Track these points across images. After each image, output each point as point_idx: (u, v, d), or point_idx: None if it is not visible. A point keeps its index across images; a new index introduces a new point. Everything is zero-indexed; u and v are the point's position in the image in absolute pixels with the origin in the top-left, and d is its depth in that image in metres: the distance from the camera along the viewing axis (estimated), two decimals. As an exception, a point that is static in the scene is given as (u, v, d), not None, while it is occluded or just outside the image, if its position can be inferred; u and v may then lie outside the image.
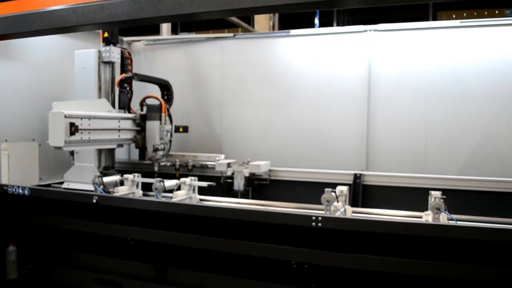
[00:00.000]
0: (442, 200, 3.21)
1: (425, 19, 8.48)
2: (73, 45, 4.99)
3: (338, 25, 9.88)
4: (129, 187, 4.29)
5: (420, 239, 2.85)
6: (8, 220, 4.26)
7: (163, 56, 6.13)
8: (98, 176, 4.14)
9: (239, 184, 4.82)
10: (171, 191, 4.16)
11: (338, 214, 3.33)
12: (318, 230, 2.98)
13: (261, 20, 9.56)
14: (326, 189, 3.43)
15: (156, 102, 5.09)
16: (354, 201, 4.49)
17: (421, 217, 3.44)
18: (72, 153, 4.72)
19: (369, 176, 4.71)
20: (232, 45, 5.74)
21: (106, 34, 4.74)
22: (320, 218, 2.98)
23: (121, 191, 4.18)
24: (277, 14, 9.55)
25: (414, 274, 2.98)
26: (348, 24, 10.13)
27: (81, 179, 4.53)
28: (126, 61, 4.86)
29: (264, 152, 5.39)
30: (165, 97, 5.33)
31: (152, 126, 4.90)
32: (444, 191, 3.41)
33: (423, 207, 3.47)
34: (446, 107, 4.75)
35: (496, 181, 4.28)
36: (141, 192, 4.37)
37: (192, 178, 4.31)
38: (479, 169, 4.53)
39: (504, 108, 4.55)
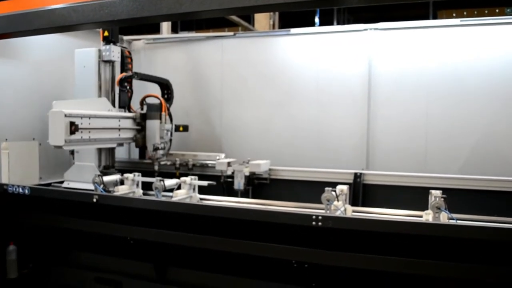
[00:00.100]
0: (442, 199, 3.21)
1: (426, 17, 8.47)
2: (73, 44, 4.99)
3: (338, 23, 9.87)
4: (129, 186, 4.29)
5: (420, 238, 2.85)
6: (8, 220, 4.26)
7: (163, 55, 6.13)
8: (98, 175, 4.14)
9: (239, 183, 4.82)
10: (171, 190, 4.16)
11: (338, 213, 3.34)
12: (318, 229, 2.98)
13: (261, 19, 9.54)
14: (326, 188, 3.44)
15: (156, 101, 5.09)
16: (354, 200, 4.49)
17: (421, 216, 3.44)
18: (72, 152, 4.72)
19: (369, 175, 4.71)
20: (232, 44, 5.73)
21: (106, 33, 4.73)
22: (320, 217, 2.97)
23: (121, 190, 4.18)
24: (277, 13, 9.54)
25: (414, 273, 2.98)
26: (349, 22, 10.11)
27: (81, 178, 4.53)
28: (126, 60, 4.86)
29: (264, 151, 5.39)
30: (165, 96, 5.32)
31: (152, 125, 4.90)
32: (445, 190, 3.41)
33: (424, 206, 3.47)
34: (446, 105, 4.74)
35: (497, 180, 4.27)
36: (141, 191, 4.37)
37: (192, 177, 4.31)
38: (479, 168, 4.53)
39: (505, 107, 4.55)
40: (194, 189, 4.31)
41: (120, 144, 4.81)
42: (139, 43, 6.21)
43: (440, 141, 4.77)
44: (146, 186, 4.36)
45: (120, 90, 4.77)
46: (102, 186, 4.07)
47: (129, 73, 4.84)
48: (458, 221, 3.19)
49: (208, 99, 5.86)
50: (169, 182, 4.17)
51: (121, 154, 5.77)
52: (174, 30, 9.64)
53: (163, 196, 4.11)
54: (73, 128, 3.82)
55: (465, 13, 8.09)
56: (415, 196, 4.07)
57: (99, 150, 4.67)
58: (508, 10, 7.81)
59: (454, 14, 8.15)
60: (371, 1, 2.95)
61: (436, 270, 2.88)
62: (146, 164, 5.46)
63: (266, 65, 5.53)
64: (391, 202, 4.12)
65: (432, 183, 4.26)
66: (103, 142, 4.42)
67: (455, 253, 2.83)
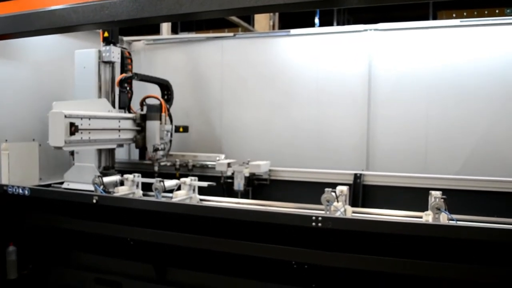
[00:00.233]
0: (442, 200, 3.20)
1: (425, 18, 8.46)
2: (73, 44, 4.99)
3: (338, 24, 9.87)
4: (129, 187, 4.29)
5: (420, 239, 2.85)
6: (8, 220, 4.26)
7: (163, 55, 6.13)
8: (98, 176, 4.13)
9: (239, 184, 4.82)
10: (171, 191, 4.16)
11: (338, 214, 3.33)
12: (318, 230, 2.98)
13: (261, 20, 9.54)
14: (326, 189, 3.43)
15: (156, 102, 5.09)
16: (354, 201, 4.49)
17: (421, 217, 3.44)
18: (72, 153, 4.72)
19: (369, 176, 4.71)
20: (232, 44, 5.73)
21: (106, 34, 4.73)
22: (320, 218, 2.97)
23: (121, 191, 4.18)
24: (277, 14, 9.53)
25: (414, 274, 2.98)
26: (348, 23, 10.11)
27: (81, 179, 4.53)
28: (126, 61, 4.86)
29: (264, 152, 5.39)
30: (165, 97, 5.33)
31: (152, 126, 4.90)
32: (444, 191, 3.41)
33: (423, 207, 3.47)
34: (446, 106, 4.74)
35: (497, 181, 4.27)
36: (141, 192, 4.37)
37: (192, 178, 4.31)
38: (479, 169, 4.53)
39: (505, 108, 4.55)
40: (194, 190, 4.30)
41: (120, 145, 4.81)
42: (139, 44, 6.22)
43: (440, 141, 4.77)
44: (146, 187, 4.35)
45: (120, 91, 4.77)
46: (102, 187, 4.07)
47: (129, 74, 4.84)
48: (458, 222, 3.19)
49: (208, 100, 5.86)
50: (169, 183, 4.17)
51: (121, 155, 5.77)
52: (174, 31, 9.63)
53: (163, 197, 4.11)
54: (73, 129, 3.82)
55: (465, 13, 8.08)
56: (415, 197, 4.07)
57: (99, 151, 4.67)
58: (508, 10, 7.81)
59: (454, 15, 8.14)
60: (371, 1, 2.95)
61: (436, 271, 2.88)
62: (146, 165, 5.46)
63: (266, 65, 5.53)
64: (391, 203, 4.12)
65: (432, 184, 4.27)
66: (103, 143, 4.41)
67: (455, 254, 2.83)
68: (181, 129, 5.43)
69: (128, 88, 4.86)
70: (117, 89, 4.77)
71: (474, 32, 4.68)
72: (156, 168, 5.25)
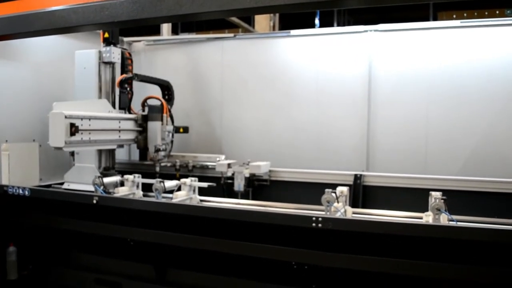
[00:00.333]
0: (442, 200, 3.20)
1: (426, 19, 8.46)
2: (74, 45, 4.99)
3: (338, 25, 9.86)
4: (129, 188, 4.28)
5: (420, 240, 2.85)
6: (8, 221, 4.26)
7: (163, 56, 6.13)
8: (99, 177, 4.13)
9: (239, 184, 4.82)
10: (171, 191, 4.15)
11: (338, 215, 3.33)
12: (318, 231, 2.98)
13: (262, 20, 9.55)
14: (327, 190, 3.43)
15: (157, 103, 5.10)
16: (354, 202, 4.48)
17: (421, 218, 3.43)
18: (72, 153, 4.72)
19: (370, 177, 4.71)
20: (232, 45, 5.73)
21: (106, 35, 4.74)
22: (320, 219, 2.97)
23: (121, 192, 4.18)
24: (277, 14, 9.54)
25: (414, 275, 2.98)
26: (349, 24, 10.11)
27: (81, 179, 4.53)
28: (126, 62, 4.87)
29: (265, 152, 5.39)
30: (166, 97, 5.33)
31: (154, 126, 4.92)
32: (445, 192, 3.40)
33: (424, 208, 3.47)
34: (446, 107, 4.74)
35: (497, 181, 4.27)
36: (141, 192, 4.37)
37: (192, 178, 4.31)
38: (479, 170, 4.53)
39: (505, 109, 4.55)
40: (194, 190, 4.30)
41: (120, 146, 4.82)
42: (139, 44, 6.22)
43: (440, 142, 4.77)
44: (146, 188, 4.35)
45: (120, 91, 4.77)
46: (102, 187, 4.06)
47: (130, 75, 4.84)
48: (458, 223, 3.19)
49: (208, 101, 5.86)
50: (169, 184, 4.17)
51: (121, 155, 5.77)
52: (175, 31, 9.63)
53: (163, 197, 4.10)
54: (73, 129, 3.82)
55: (465, 14, 8.08)
56: (415, 198, 4.07)
57: (99, 152, 4.67)
58: (508, 11, 7.81)
59: (454, 16, 8.13)
60: (371, 2, 2.95)
61: (436, 272, 2.88)
62: (146, 166, 5.45)
63: (266, 66, 5.53)
64: (391, 204, 4.12)
65: (432, 185, 4.26)
66: (103, 144, 4.42)
67: (455, 255, 2.83)
68: (181, 130, 5.43)
69: (128, 89, 4.86)
70: (117, 90, 4.77)
71: (474, 33, 4.68)
72: (157, 169, 5.24)
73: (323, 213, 3.37)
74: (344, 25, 9.98)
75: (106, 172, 4.64)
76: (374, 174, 4.76)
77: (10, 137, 4.48)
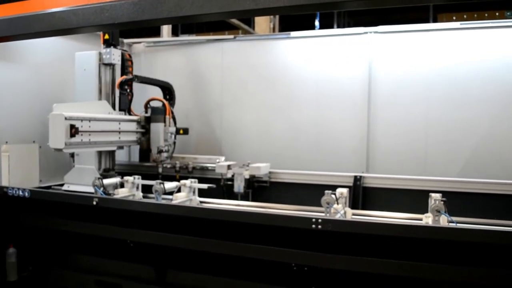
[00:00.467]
0: (442, 202, 3.20)
1: (426, 21, 8.48)
2: (74, 47, 5.00)
3: (338, 27, 9.88)
4: (129, 189, 4.29)
5: (420, 242, 2.85)
6: (8, 222, 4.25)
7: (163, 58, 6.13)
8: (98, 178, 4.13)
9: (239, 186, 4.82)
10: (171, 193, 4.16)
11: (338, 216, 3.33)
12: (318, 232, 2.97)
13: (262, 22, 9.56)
14: (326, 191, 3.43)
15: (160, 104, 5.12)
16: (354, 203, 4.49)
17: (421, 219, 3.44)
18: (72, 155, 4.73)
19: (369, 178, 4.72)
20: (232, 47, 5.74)
21: (106, 36, 4.74)
22: (320, 220, 2.97)
23: (121, 193, 4.18)
24: (277, 16, 9.56)
25: (414, 276, 2.98)
26: (349, 26, 10.12)
27: (81, 181, 4.54)
28: (126, 63, 4.88)
29: (264, 154, 5.39)
30: (166, 97, 5.35)
31: (157, 128, 4.96)
32: (444, 193, 3.40)
33: (423, 209, 3.47)
34: (446, 109, 4.75)
35: (496, 183, 4.28)
36: (141, 194, 4.37)
37: (192, 180, 4.32)
38: (479, 171, 4.53)
39: (505, 110, 4.55)
40: (194, 192, 4.31)
41: (120, 147, 4.82)
42: (139, 46, 6.22)
43: (440, 144, 4.77)
44: (146, 189, 4.35)
45: (121, 93, 4.78)
46: (102, 189, 4.07)
47: (130, 76, 4.85)
48: (458, 224, 3.20)
49: (208, 102, 5.86)
50: (169, 185, 4.17)
51: (121, 157, 5.77)
52: (175, 33, 9.65)
53: (163, 199, 4.11)
54: (73, 131, 3.82)
55: (465, 16, 8.09)
56: (415, 199, 4.07)
57: (99, 153, 4.68)
58: (508, 13, 7.83)
59: (454, 17, 8.15)
60: (371, 4, 2.95)
61: (436, 273, 2.88)
62: (146, 167, 5.46)
63: (266, 68, 5.53)
64: (391, 205, 4.12)
65: (432, 186, 4.26)
66: (103, 145, 4.42)
67: (455, 256, 2.83)
68: (181, 131, 5.43)
69: (128, 90, 4.87)
70: (117, 91, 4.78)
71: (474, 34, 4.69)
72: (160, 170, 5.24)
73: (323, 214, 3.37)
74: (344, 27, 10.00)
75: (106, 173, 4.64)
76: (374, 176, 4.76)
77: (10, 138, 4.49)
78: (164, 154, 5.02)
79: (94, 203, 3.68)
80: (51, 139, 3.85)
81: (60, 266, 4.48)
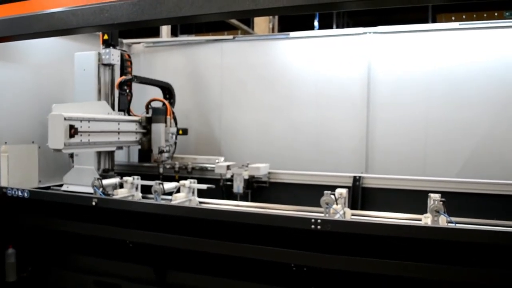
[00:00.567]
0: (441, 202, 3.21)
1: (425, 21, 8.49)
2: (73, 47, 5.00)
3: (337, 27, 9.90)
4: (128, 190, 4.29)
5: (419, 242, 2.85)
6: (7, 223, 4.25)
7: (162, 58, 6.13)
8: (98, 179, 4.13)
9: (238, 186, 4.82)
10: (170, 193, 4.16)
11: (337, 217, 3.33)
12: (317, 232, 2.98)
13: (261, 22, 9.57)
14: (326, 192, 3.43)
15: (160, 105, 5.13)
16: (353, 204, 4.49)
17: (420, 220, 3.44)
18: (71, 155, 4.72)
19: (369, 179, 4.71)
20: (231, 47, 5.74)
21: (106, 36, 4.74)
22: (319, 221, 2.97)
23: (120, 194, 4.18)
24: (276, 16, 9.56)
25: (413, 276, 2.98)
26: (348, 26, 10.14)
27: (80, 181, 4.53)
28: (125, 63, 4.88)
29: (264, 154, 5.39)
30: (166, 98, 5.36)
31: (158, 128, 4.99)
32: (444, 194, 3.40)
33: (423, 210, 3.47)
34: (445, 109, 4.75)
35: (496, 183, 4.27)
36: (140, 194, 4.37)
37: (192, 180, 4.32)
38: (478, 172, 4.53)
39: (504, 110, 4.56)
40: (193, 192, 4.31)
41: (120, 148, 4.82)
42: (138, 46, 6.22)
43: (439, 144, 4.78)
44: (146, 190, 4.35)
45: (120, 93, 4.78)
46: (101, 189, 4.07)
47: (129, 77, 4.85)
48: (457, 225, 3.20)
49: (208, 103, 5.86)
50: (168, 186, 4.18)
51: (120, 157, 5.77)
52: (174, 33, 9.65)
53: (162, 199, 4.11)
54: (73, 131, 3.82)
55: (464, 16, 8.11)
56: (414, 200, 4.07)
57: (99, 154, 4.68)
58: (506, 13, 7.84)
59: (453, 18, 8.16)
60: (370, 4, 2.95)
61: (435, 274, 2.88)
62: (146, 167, 5.46)
63: (266, 68, 5.54)
64: (390, 206, 4.12)
65: (431, 187, 4.26)
66: (102, 146, 4.42)
67: (454, 257, 2.83)
68: (180, 132, 5.43)
69: (127, 91, 4.87)
70: (116, 92, 4.78)
71: (473, 35, 4.69)
72: (161, 170, 5.24)
73: (322, 215, 3.37)
74: (343, 27, 10.01)
75: (105, 174, 4.64)
76: (373, 176, 4.76)
77: (9, 139, 4.48)
78: (165, 155, 5.05)
79: (94, 203, 3.68)
80: (50, 140, 3.85)
81: (60, 266, 4.48)
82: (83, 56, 4.70)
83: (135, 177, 4.36)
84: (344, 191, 3.61)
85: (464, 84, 4.68)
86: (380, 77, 5.01)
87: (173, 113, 5.19)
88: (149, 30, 8.77)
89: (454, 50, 4.74)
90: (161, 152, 4.96)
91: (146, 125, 4.98)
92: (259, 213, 3.46)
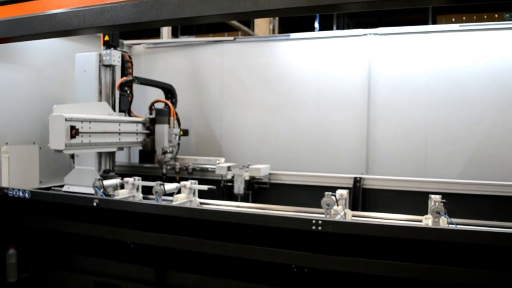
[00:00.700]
0: (442, 204, 3.21)
1: (425, 22, 8.50)
2: (74, 48, 5.01)
3: (338, 28, 9.91)
4: (129, 190, 4.29)
5: (420, 243, 2.85)
6: (8, 223, 4.26)
7: (163, 59, 6.14)
8: (99, 179, 4.14)
9: (239, 187, 4.82)
10: (171, 194, 4.16)
11: (338, 218, 3.34)
12: (318, 233, 2.98)
13: (261, 24, 9.57)
14: (326, 193, 3.44)
15: (162, 106, 5.15)
16: (354, 205, 4.49)
17: (421, 221, 3.44)
18: (72, 156, 4.72)
19: (369, 180, 4.71)
20: (232, 48, 5.75)
21: (106, 38, 4.74)
22: (320, 222, 2.98)
23: (121, 195, 4.18)
24: (277, 18, 9.57)
25: (413, 277, 2.98)
26: (348, 27, 10.16)
27: (81, 182, 4.53)
28: (126, 65, 4.88)
29: (264, 155, 5.40)
30: (168, 98, 5.37)
31: (161, 129, 5.02)
32: (444, 195, 3.41)
33: (423, 211, 3.48)
34: (446, 110, 4.76)
35: (496, 185, 4.27)
36: (141, 195, 4.37)
37: (192, 181, 4.31)
38: (479, 173, 4.53)
39: (504, 112, 4.56)
40: (194, 193, 4.31)
41: (121, 148, 4.82)
42: (139, 47, 6.23)
43: (439, 145, 4.78)
44: (146, 190, 4.36)
45: (121, 94, 4.78)
46: (102, 190, 4.07)
47: (130, 78, 4.86)
48: (458, 226, 3.20)
49: (208, 103, 5.87)
50: (169, 186, 4.18)
51: (121, 158, 5.78)
52: (174, 34, 9.67)
53: (163, 200, 4.11)
54: (74, 132, 3.83)
55: (464, 18, 8.12)
56: (415, 201, 4.08)
57: (99, 154, 4.68)
58: (507, 15, 7.83)
59: (453, 19, 8.18)
60: (371, 6, 2.96)
61: (436, 275, 2.88)
62: (146, 168, 5.46)
63: (266, 69, 5.54)
64: (391, 207, 4.12)
65: (432, 188, 4.26)
66: (103, 146, 4.42)
67: (455, 258, 2.83)
68: (181, 133, 5.45)
69: (128, 92, 4.87)
70: (117, 93, 4.78)
71: (473, 36, 4.70)
72: (164, 171, 5.25)
73: (323, 216, 3.37)
74: (343, 28, 10.02)
75: (106, 174, 4.65)
76: (373, 177, 4.76)
77: (10, 139, 4.49)
78: (169, 155, 5.10)
79: (95, 204, 3.68)
80: (51, 140, 3.85)
81: (60, 267, 4.48)
82: (84, 57, 4.70)
83: (136, 178, 4.36)
84: (344, 192, 3.61)
85: (464, 85, 4.69)
86: (381, 79, 5.01)
87: (176, 114, 5.22)
88: (149, 31, 8.80)
89: (454, 52, 4.75)
90: (164, 153, 5.01)
91: (150, 126, 5.02)
92: (260, 214, 3.47)
